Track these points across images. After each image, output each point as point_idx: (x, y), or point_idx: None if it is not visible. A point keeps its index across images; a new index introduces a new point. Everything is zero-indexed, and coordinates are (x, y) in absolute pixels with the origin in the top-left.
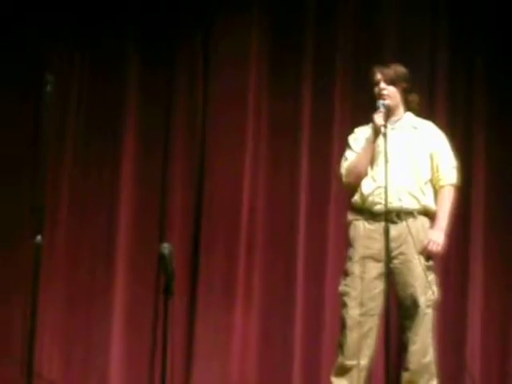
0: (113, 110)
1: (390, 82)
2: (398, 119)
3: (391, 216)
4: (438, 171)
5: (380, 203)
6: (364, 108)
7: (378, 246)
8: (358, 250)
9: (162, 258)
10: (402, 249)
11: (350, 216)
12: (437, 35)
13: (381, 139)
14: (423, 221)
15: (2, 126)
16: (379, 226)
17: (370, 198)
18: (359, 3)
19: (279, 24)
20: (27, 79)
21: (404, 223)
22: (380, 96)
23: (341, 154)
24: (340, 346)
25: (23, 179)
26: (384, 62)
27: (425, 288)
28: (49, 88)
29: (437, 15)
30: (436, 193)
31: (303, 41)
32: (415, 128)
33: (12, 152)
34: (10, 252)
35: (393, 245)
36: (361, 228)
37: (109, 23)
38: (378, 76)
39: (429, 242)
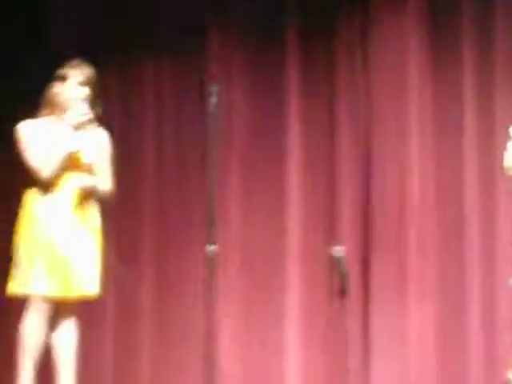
0: (275, 110)
1: None
2: None
3: None
4: None
5: None
6: None
7: None
8: None
9: (335, 260)
10: None
11: None
12: None
13: None
14: None
15: (172, 138)
16: None
17: None
18: None
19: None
20: (192, 90)
21: None
22: None
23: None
24: None
25: (193, 188)
26: None
27: None
28: (213, 99)
29: None
30: None
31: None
32: None
33: (181, 161)
34: (183, 260)
35: None
36: None
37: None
38: None
39: None
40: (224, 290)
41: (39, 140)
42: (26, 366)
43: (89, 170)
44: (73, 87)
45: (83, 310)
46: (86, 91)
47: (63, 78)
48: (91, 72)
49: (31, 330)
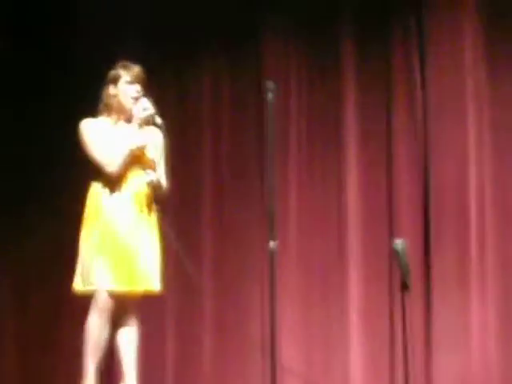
0: (332, 107)
1: None
2: None
3: None
4: None
5: None
6: None
7: None
8: None
9: (396, 254)
10: None
11: None
12: None
13: None
14: None
15: (230, 137)
16: None
17: None
18: None
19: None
20: (249, 88)
21: None
22: None
23: None
24: None
25: (253, 185)
26: None
27: None
28: (270, 96)
29: None
30: None
31: None
32: None
33: (239, 159)
34: (243, 258)
35: None
36: None
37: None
38: None
39: None
40: (284, 286)
41: (103, 136)
42: (90, 362)
43: (151, 165)
44: (125, 86)
45: (146, 307)
46: (137, 88)
47: (115, 80)
48: (140, 70)
49: (95, 327)
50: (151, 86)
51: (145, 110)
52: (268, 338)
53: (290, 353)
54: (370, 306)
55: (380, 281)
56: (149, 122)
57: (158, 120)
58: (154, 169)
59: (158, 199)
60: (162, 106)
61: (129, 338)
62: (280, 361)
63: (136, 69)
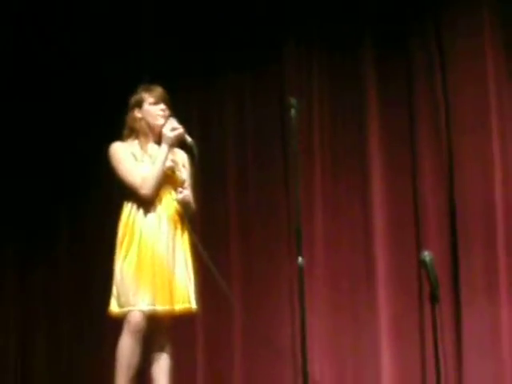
0: (355, 119)
1: None
2: None
3: None
4: None
5: None
6: None
7: None
8: None
9: (424, 265)
10: None
11: None
12: None
13: None
14: None
15: (254, 153)
16: None
17: None
18: None
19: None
20: (272, 104)
21: None
22: None
23: None
24: None
25: (279, 200)
26: None
27: None
28: (293, 112)
29: None
30: None
31: None
32: None
33: (263, 176)
34: (272, 272)
35: None
36: None
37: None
38: None
39: None
40: (313, 301)
41: (134, 159)
42: (122, 382)
43: (181, 185)
44: (150, 107)
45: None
46: (162, 107)
47: (139, 103)
48: (162, 90)
49: (128, 347)
50: (175, 104)
51: (174, 129)
52: (299, 353)
53: (321, 367)
54: (399, 318)
55: (408, 293)
56: (179, 141)
57: (188, 139)
58: (184, 188)
59: (189, 218)
60: (186, 124)
61: (163, 362)
62: (311, 375)
63: (159, 89)
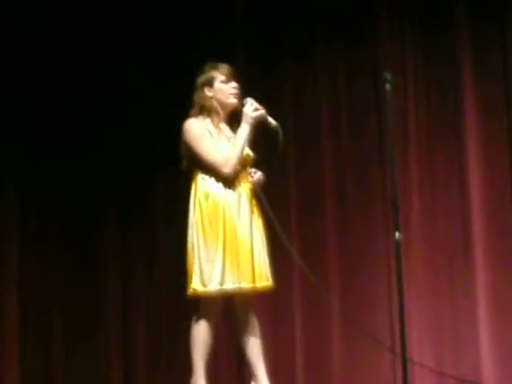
0: (451, 104)
1: None
2: None
3: None
4: None
5: None
6: None
7: None
8: None
9: None
10: None
11: None
12: None
13: None
14: None
15: (348, 128)
16: None
17: None
18: None
19: None
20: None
21: None
22: None
23: None
24: None
25: (374, 176)
26: None
27: None
28: (388, 87)
29: None
30: None
31: None
32: None
33: (359, 152)
34: (368, 249)
35: None
36: None
37: None
38: None
39: None
40: (410, 278)
41: (212, 137)
42: (199, 360)
43: (252, 164)
44: (222, 85)
45: (274, 305)
46: (233, 85)
47: (209, 81)
48: (230, 66)
49: (205, 327)
50: (268, 78)
51: (256, 110)
52: (397, 332)
53: (419, 346)
54: (498, 295)
55: (508, 269)
56: (260, 122)
57: (273, 122)
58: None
59: (262, 195)
60: (279, 99)
61: (254, 343)
62: (409, 351)
63: (227, 66)
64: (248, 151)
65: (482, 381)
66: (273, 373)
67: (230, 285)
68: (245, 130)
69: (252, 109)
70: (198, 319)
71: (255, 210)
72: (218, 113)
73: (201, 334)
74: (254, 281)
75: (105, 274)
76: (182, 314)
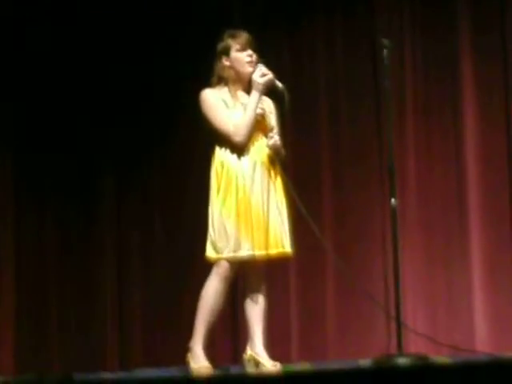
0: (448, 70)
1: None
2: None
3: None
4: None
5: None
6: None
7: None
8: None
9: None
10: None
11: None
12: None
13: None
14: None
15: (345, 94)
16: None
17: None
18: None
19: None
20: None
21: None
22: None
23: None
24: None
25: (370, 143)
26: None
27: None
28: (385, 53)
29: None
30: None
31: None
32: None
33: (355, 118)
34: (364, 216)
35: None
36: None
37: None
38: None
39: None
40: (405, 244)
41: (226, 106)
42: (202, 325)
43: (271, 131)
44: (237, 54)
45: (269, 267)
46: (249, 53)
47: (225, 50)
48: (247, 35)
49: (215, 292)
50: (266, 47)
51: (263, 75)
52: (392, 296)
53: (413, 311)
54: (493, 260)
55: (502, 236)
56: (269, 87)
57: (279, 84)
58: (273, 133)
59: (281, 163)
60: (277, 67)
61: (259, 306)
62: (405, 318)
63: (244, 34)
64: (267, 118)
65: (476, 345)
66: (268, 337)
67: (243, 252)
68: (254, 97)
69: (259, 74)
70: (208, 285)
71: (273, 175)
72: (235, 82)
73: (209, 300)
74: (267, 248)
75: (100, 252)
76: (178, 275)
